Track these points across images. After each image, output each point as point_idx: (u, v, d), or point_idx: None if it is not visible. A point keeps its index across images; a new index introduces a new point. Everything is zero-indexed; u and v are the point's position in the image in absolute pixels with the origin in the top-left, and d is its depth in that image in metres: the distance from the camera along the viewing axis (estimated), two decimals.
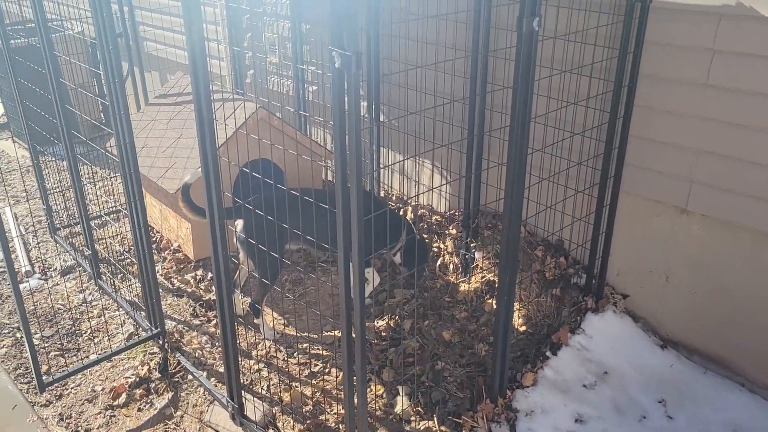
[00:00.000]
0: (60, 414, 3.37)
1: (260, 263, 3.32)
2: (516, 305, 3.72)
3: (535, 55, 2.37)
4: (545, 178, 3.20)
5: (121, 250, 4.55)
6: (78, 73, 5.21)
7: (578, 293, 3.53)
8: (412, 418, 3.06)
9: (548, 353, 3.23)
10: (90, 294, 4.23)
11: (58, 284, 4.38)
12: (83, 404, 3.43)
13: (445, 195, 4.25)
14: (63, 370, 3.40)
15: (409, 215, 4.44)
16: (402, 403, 3.11)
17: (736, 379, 3.16)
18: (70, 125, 3.91)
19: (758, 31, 2.64)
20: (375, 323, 3.71)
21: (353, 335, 2.34)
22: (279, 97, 5.10)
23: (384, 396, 3.23)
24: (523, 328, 3.53)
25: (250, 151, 4.26)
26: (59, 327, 3.91)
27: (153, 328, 3.61)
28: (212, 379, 3.43)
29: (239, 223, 3.48)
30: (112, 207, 5.08)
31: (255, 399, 3.20)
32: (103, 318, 3.99)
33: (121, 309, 4.02)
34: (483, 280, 3.84)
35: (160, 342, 3.62)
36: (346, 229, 2.14)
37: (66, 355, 3.69)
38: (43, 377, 3.28)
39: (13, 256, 4.69)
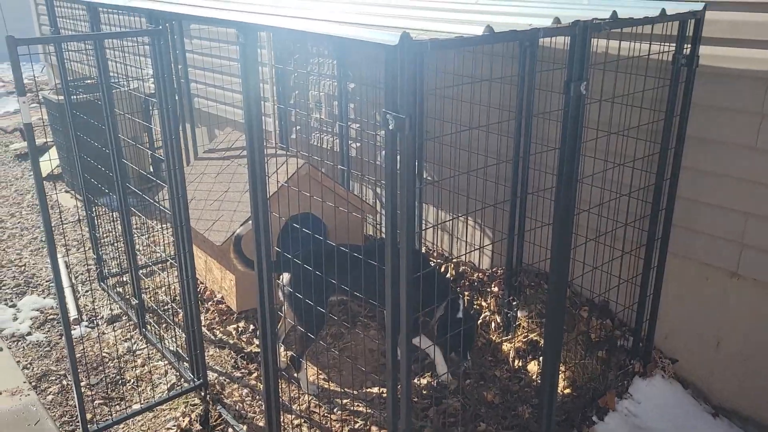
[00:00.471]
0: None
1: (305, 317, 3.35)
2: (560, 367, 3.66)
3: (583, 117, 2.40)
4: (591, 238, 3.18)
5: (167, 299, 4.63)
6: (131, 127, 5.42)
7: (625, 356, 3.46)
8: None
9: (594, 418, 3.15)
10: (135, 343, 4.29)
11: (104, 332, 4.46)
12: None
13: (487, 252, 4.25)
14: (107, 420, 3.44)
15: (451, 272, 4.44)
16: None
17: None
18: (124, 178, 4.06)
19: None
20: (416, 381, 3.68)
21: (398, 395, 2.33)
22: (323, 153, 5.21)
23: None
24: (568, 390, 3.46)
25: (294, 205, 4.37)
26: (104, 375, 3.97)
27: (195, 379, 3.64)
28: None
29: (285, 276, 3.52)
30: (158, 257, 5.20)
31: None
32: (147, 367, 4.04)
33: (164, 359, 4.07)
34: (526, 339, 3.79)
35: (202, 393, 3.64)
36: (394, 287, 2.15)
37: (110, 404, 3.73)
38: (88, 425, 3.32)
39: None
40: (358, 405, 3.56)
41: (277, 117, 5.57)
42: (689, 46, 2.83)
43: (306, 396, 3.62)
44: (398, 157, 1.96)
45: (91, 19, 3.55)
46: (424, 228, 4.56)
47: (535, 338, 3.77)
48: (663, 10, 2.56)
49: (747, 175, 2.88)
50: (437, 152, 4.22)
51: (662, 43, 2.94)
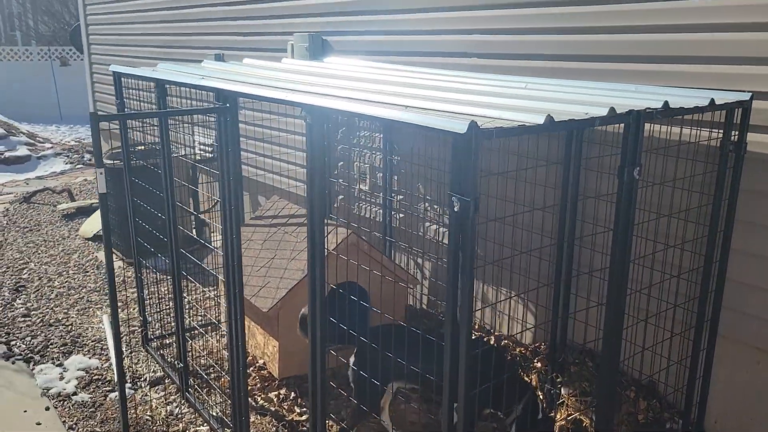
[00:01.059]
0: None
1: (360, 390, 3.40)
2: None
3: (635, 200, 2.47)
4: (642, 319, 3.19)
5: (210, 363, 4.69)
6: (179, 191, 5.62)
7: None
8: None
9: None
10: (177, 406, 4.34)
11: (146, 395, 4.52)
12: None
13: (530, 326, 4.26)
14: None
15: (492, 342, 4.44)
16: None
17: None
18: (178, 242, 4.21)
19: None
20: None
21: None
22: (365, 222, 5.33)
23: None
24: None
25: (341, 274, 4.46)
26: None
27: None
28: None
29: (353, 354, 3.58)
30: (202, 320, 5.29)
31: None
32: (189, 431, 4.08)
33: (206, 424, 4.10)
34: (570, 418, 3.75)
35: None
36: (453, 370, 2.19)
37: None
38: None
39: (106, 364, 4.91)
40: None
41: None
42: (737, 133, 2.91)
43: None
44: (461, 238, 2.05)
45: (159, 94, 3.77)
46: (480, 307, 4.59)
47: (579, 417, 3.73)
48: (712, 99, 2.65)
49: None
50: (489, 229, 4.30)
51: (711, 130, 3.03)
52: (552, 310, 3.86)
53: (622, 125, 2.37)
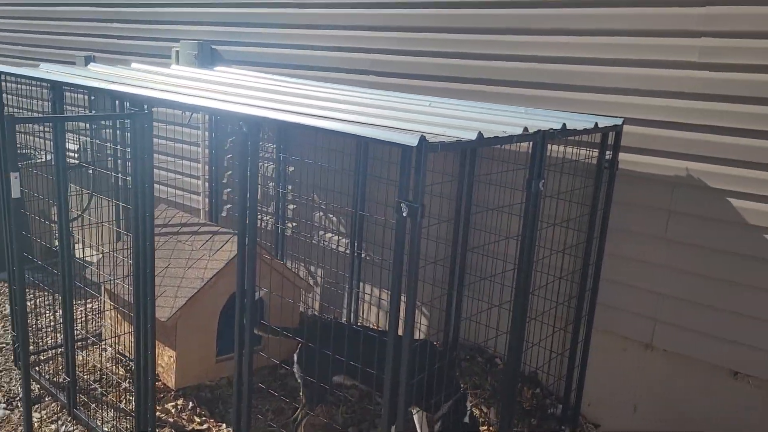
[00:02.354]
0: None
1: (308, 387, 3.54)
2: None
3: (539, 210, 2.84)
4: (531, 317, 3.56)
5: (95, 378, 4.49)
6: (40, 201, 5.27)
7: (554, 423, 3.83)
8: None
9: None
10: (63, 424, 4.12)
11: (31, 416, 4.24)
12: None
13: (422, 326, 4.54)
14: None
15: None
16: None
17: None
18: (67, 250, 4.02)
19: (705, 197, 3.26)
20: None
21: None
22: (258, 232, 5.37)
23: None
24: None
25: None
26: None
27: None
28: None
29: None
30: (78, 334, 5.03)
31: None
32: None
33: None
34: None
35: None
36: (396, 368, 2.39)
37: None
38: None
39: None
40: None
41: (208, 195, 5.70)
42: (610, 152, 3.41)
43: None
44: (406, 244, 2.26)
45: (56, 98, 3.63)
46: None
47: (474, 409, 4.07)
48: (596, 123, 3.11)
49: (659, 260, 3.44)
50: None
51: (589, 149, 3.51)
52: (446, 311, 4.18)
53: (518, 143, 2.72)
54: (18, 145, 4.52)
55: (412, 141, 2.16)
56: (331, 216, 4.94)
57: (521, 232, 2.83)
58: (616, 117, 3.37)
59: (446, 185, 4.02)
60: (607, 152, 3.42)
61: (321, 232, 5.02)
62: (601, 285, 3.61)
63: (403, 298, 2.26)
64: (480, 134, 2.38)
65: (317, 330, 3.37)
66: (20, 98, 5.01)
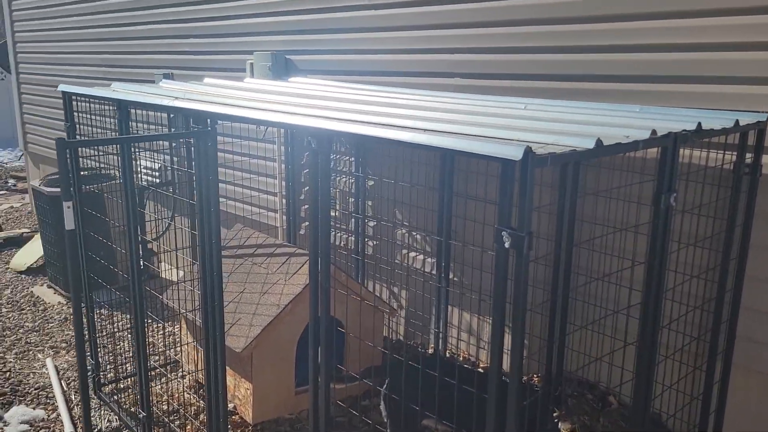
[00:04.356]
0: None
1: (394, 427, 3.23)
2: None
3: (671, 229, 2.31)
4: (665, 355, 3.01)
5: (172, 409, 4.27)
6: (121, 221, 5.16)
7: None
8: None
9: None
10: None
11: None
12: None
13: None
14: None
15: None
16: None
17: None
18: (139, 274, 3.81)
19: None
20: None
21: None
22: (336, 251, 5.05)
23: None
24: None
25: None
26: None
27: None
28: None
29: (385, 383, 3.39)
30: (157, 360, 4.85)
31: None
32: None
33: None
34: None
35: None
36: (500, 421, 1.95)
37: None
38: None
39: (54, 414, 4.41)
40: None
41: (285, 212, 5.42)
42: (752, 155, 2.82)
43: None
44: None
45: (121, 117, 3.41)
46: (446, 327, 4.36)
47: None
48: (737, 120, 2.54)
49: None
50: (474, 256, 4.10)
51: (719, 152, 2.93)
52: (548, 339, 3.67)
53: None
54: (99, 166, 4.41)
55: (515, 153, 1.72)
56: (414, 234, 4.53)
57: (648, 254, 2.32)
58: (759, 112, 2.78)
59: (543, 197, 3.53)
60: (747, 155, 2.83)
61: (404, 251, 4.62)
62: (741, 314, 3.01)
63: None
64: (599, 141, 1.90)
65: (405, 368, 2.99)
66: (101, 118, 4.90)
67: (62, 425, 4.26)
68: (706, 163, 3.00)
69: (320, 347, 2.51)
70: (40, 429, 4.24)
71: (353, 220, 4.84)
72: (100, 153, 4.49)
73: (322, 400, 2.53)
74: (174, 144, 5.99)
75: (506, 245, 1.79)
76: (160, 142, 5.76)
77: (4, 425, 4.26)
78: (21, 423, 4.28)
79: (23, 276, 7.02)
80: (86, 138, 4.12)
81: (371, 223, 4.80)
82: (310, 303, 2.51)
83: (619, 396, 3.58)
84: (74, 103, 4.17)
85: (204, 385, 4.36)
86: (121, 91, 3.73)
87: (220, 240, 3.02)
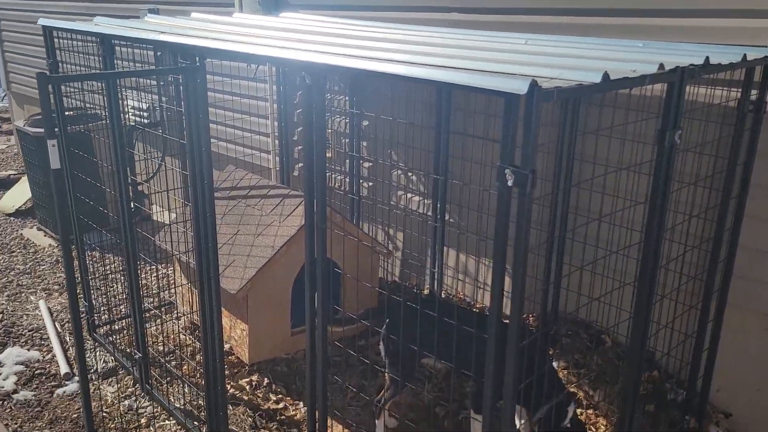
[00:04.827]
0: None
1: (393, 366, 3.26)
2: (603, 421, 3.49)
3: (674, 168, 2.26)
4: (663, 295, 3.00)
5: (168, 350, 4.29)
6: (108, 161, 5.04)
7: (675, 411, 3.31)
8: None
9: None
10: (136, 400, 3.93)
11: (100, 389, 4.09)
12: None
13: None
14: None
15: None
16: None
17: None
18: (131, 215, 3.76)
19: None
20: None
21: None
22: (330, 192, 4.99)
23: None
24: None
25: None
26: None
27: None
28: None
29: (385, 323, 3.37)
30: (152, 302, 4.84)
31: None
32: (152, 428, 3.70)
33: (172, 418, 3.73)
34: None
35: None
36: (499, 362, 1.94)
37: None
38: None
39: (48, 355, 4.42)
40: None
41: (278, 153, 5.33)
42: (757, 92, 2.75)
43: None
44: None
45: (106, 52, 3.28)
46: (442, 268, 4.36)
47: (573, 390, 3.59)
48: (745, 55, 2.46)
49: None
50: (471, 195, 4.05)
51: (723, 89, 2.85)
52: (544, 280, 3.67)
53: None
54: (85, 106, 4.29)
55: (520, 87, 1.64)
56: (410, 175, 4.47)
57: (650, 192, 2.28)
58: (766, 47, 2.69)
59: (540, 136, 3.46)
60: (752, 92, 2.76)
61: (400, 193, 4.56)
62: (739, 253, 3.00)
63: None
64: (606, 75, 1.83)
65: (403, 308, 2.98)
66: (86, 56, 4.74)
67: (58, 366, 4.27)
68: (711, 100, 2.93)
69: (317, 289, 2.48)
70: (36, 370, 4.26)
71: (348, 161, 4.77)
72: (85, 92, 4.37)
73: (319, 340, 2.52)
74: (162, 83, 5.83)
75: (509, 183, 1.74)
76: (148, 81, 5.60)
77: (0, 366, 4.27)
78: (16, 364, 4.29)
79: (12, 218, 6.94)
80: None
81: (366, 164, 4.73)
82: (306, 244, 2.46)
83: (614, 335, 3.61)
84: (56, 40, 4.02)
85: (199, 326, 4.37)
86: (104, 25, 3.58)
87: (212, 181, 2.95)
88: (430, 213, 4.34)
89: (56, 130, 2.39)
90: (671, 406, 3.33)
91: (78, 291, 5.05)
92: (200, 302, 3.10)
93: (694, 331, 3.16)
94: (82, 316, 4.78)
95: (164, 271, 5.21)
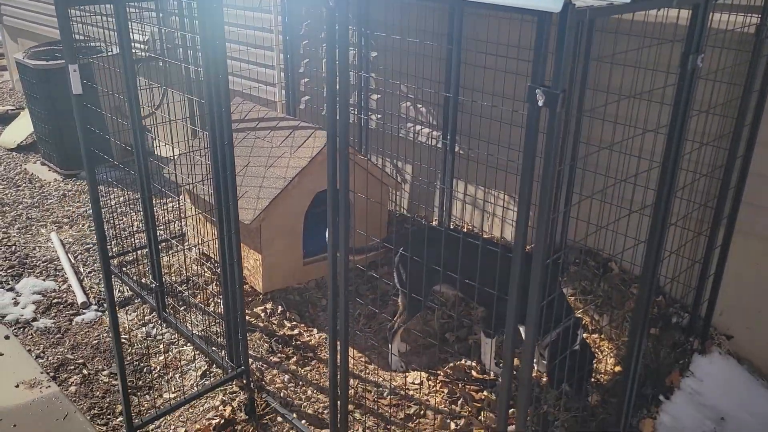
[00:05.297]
0: None
1: (409, 293, 3.35)
2: (608, 344, 3.62)
3: (694, 94, 2.29)
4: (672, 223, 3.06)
5: (182, 279, 4.38)
6: (112, 97, 5.00)
7: (679, 333, 3.43)
8: None
9: (662, 398, 3.12)
10: (154, 327, 4.04)
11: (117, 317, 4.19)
12: None
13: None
14: (151, 412, 3.21)
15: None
16: None
17: None
18: (145, 147, 3.78)
19: None
20: (464, 362, 3.58)
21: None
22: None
23: None
24: (618, 368, 3.42)
25: (322, 180, 4.15)
26: (127, 363, 3.72)
27: (235, 366, 3.44)
28: (303, 421, 3.26)
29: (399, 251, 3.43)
30: (161, 235, 4.90)
31: None
32: (170, 354, 3.82)
33: (189, 344, 3.85)
34: None
35: (244, 381, 3.45)
36: (524, 286, 2.01)
37: (138, 394, 3.50)
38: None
39: (64, 285, 4.50)
40: (409, 391, 3.44)
41: (284, 87, 5.30)
42: None
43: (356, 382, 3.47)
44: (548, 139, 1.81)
45: None
46: (451, 198, 4.42)
47: (579, 316, 3.71)
48: None
49: None
50: (473, 125, 4.07)
51: (742, 14, 2.85)
52: (553, 209, 3.72)
53: None
54: (86, 37, 4.22)
55: (554, 5, 1.65)
56: (420, 107, 4.47)
57: (671, 120, 2.30)
58: None
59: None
60: None
61: (409, 125, 4.57)
62: (749, 180, 3.05)
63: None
64: None
65: (419, 237, 3.05)
66: None
67: (74, 295, 4.36)
68: (726, 26, 2.92)
69: (339, 218, 2.53)
70: (53, 299, 4.35)
71: (356, 93, 4.75)
72: (86, 24, 4.28)
73: (342, 267, 2.58)
74: (161, 15, 5.73)
75: (539, 104, 1.76)
76: (147, 14, 5.49)
77: (17, 295, 4.35)
78: (33, 293, 4.37)
79: (14, 153, 6.92)
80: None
81: (375, 96, 4.71)
82: (329, 175, 2.49)
83: (620, 262, 3.70)
84: None
85: (211, 257, 4.45)
86: None
87: (229, 107, 2.96)
88: (439, 144, 4.36)
89: (77, 55, 2.37)
90: (675, 329, 3.46)
91: (86, 224, 5.11)
92: (218, 229, 3.16)
93: (701, 257, 3.25)
94: (90, 246, 4.86)
95: (174, 204, 5.25)
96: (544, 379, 3.37)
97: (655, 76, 3.07)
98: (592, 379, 3.28)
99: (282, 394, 3.44)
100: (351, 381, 3.43)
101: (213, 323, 3.95)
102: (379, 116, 4.73)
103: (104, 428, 3.31)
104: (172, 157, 4.66)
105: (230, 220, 3.12)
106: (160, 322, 4.07)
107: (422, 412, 3.29)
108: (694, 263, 3.26)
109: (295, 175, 3.99)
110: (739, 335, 3.37)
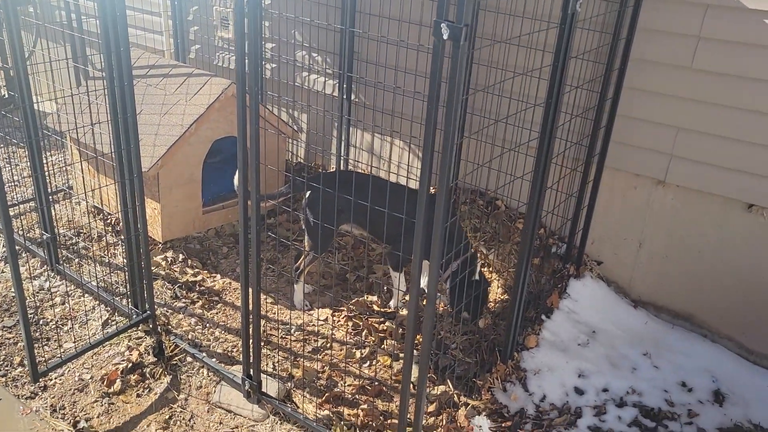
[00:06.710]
0: (51, 405, 3.15)
1: (314, 233, 3.48)
2: (496, 276, 3.95)
3: (572, 40, 2.55)
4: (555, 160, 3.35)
5: (74, 233, 4.25)
6: None
7: (558, 262, 3.81)
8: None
9: (543, 317, 3.48)
10: (47, 280, 3.93)
11: (3, 271, 4.03)
12: (74, 394, 3.22)
13: (414, 171, 4.35)
14: (55, 360, 3.17)
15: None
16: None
17: (699, 331, 3.58)
18: (31, 100, 3.61)
19: (740, 19, 3.00)
20: (366, 298, 3.78)
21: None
22: (229, 74, 4.95)
23: (392, 366, 3.33)
24: (506, 296, 3.76)
25: (220, 128, 4.16)
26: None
27: (140, 312, 3.44)
28: (213, 359, 3.35)
29: (306, 194, 3.54)
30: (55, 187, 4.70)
31: (267, 377, 3.17)
32: (67, 305, 3.74)
33: (88, 295, 3.79)
34: None
35: (150, 325, 3.46)
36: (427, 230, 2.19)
37: (36, 346, 3.42)
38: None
39: None
40: (312, 325, 3.60)
41: (172, 35, 5.16)
42: None
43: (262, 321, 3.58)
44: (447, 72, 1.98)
45: None
46: (348, 146, 4.56)
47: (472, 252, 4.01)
48: None
49: (681, 92, 3.24)
50: (363, 70, 4.21)
51: None
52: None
53: None
54: None
55: None
56: (315, 55, 4.54)
57: (552, 65, 2.56)
58: None
59: None
60: None
61: (305, 74, 4.63)
62: (617, 121, 3.42)
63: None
64: None
65: (328, 179, 3.18)
66: None
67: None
68: None
69: (247, 167, 2.60)
70: None
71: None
72: None
73: (254, 218, 2.66)
74: None
75: (444, 37, 1.93)
76: None
77: None
78: None
79: None
80: None
81: (269, 45, 4.72)
82: (239, 126, 2.54)
83: (508, 201, 4.02)
84: None
85: (103, 210, 4.33)
86: None
87: (128, 47, 2.91)
88: (335, 93, 4.47)
89: None
90: (554, 258, 3.83)
91: None
92: (119, 173, 3.13)
93: (576, 191, 3.62)
94: None
95: (58, 156, 5.03)
96: (441, 309, 3.65)
97: (536, 25, 3.34)
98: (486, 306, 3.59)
99: (190, 336, 3.50)
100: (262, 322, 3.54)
101: (111, 272, 3.90)
102: (273, 66, 4.74)
103: (3, 379, 3.23)
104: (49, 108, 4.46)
105: (132, 164, 3.10)
106: (53, 274, 3.96)
107: (329, 345, 3.47)
108: (569, 197, 3.62)
109: (192, 122, 3.97)
110: (608, 260, 3.80)
